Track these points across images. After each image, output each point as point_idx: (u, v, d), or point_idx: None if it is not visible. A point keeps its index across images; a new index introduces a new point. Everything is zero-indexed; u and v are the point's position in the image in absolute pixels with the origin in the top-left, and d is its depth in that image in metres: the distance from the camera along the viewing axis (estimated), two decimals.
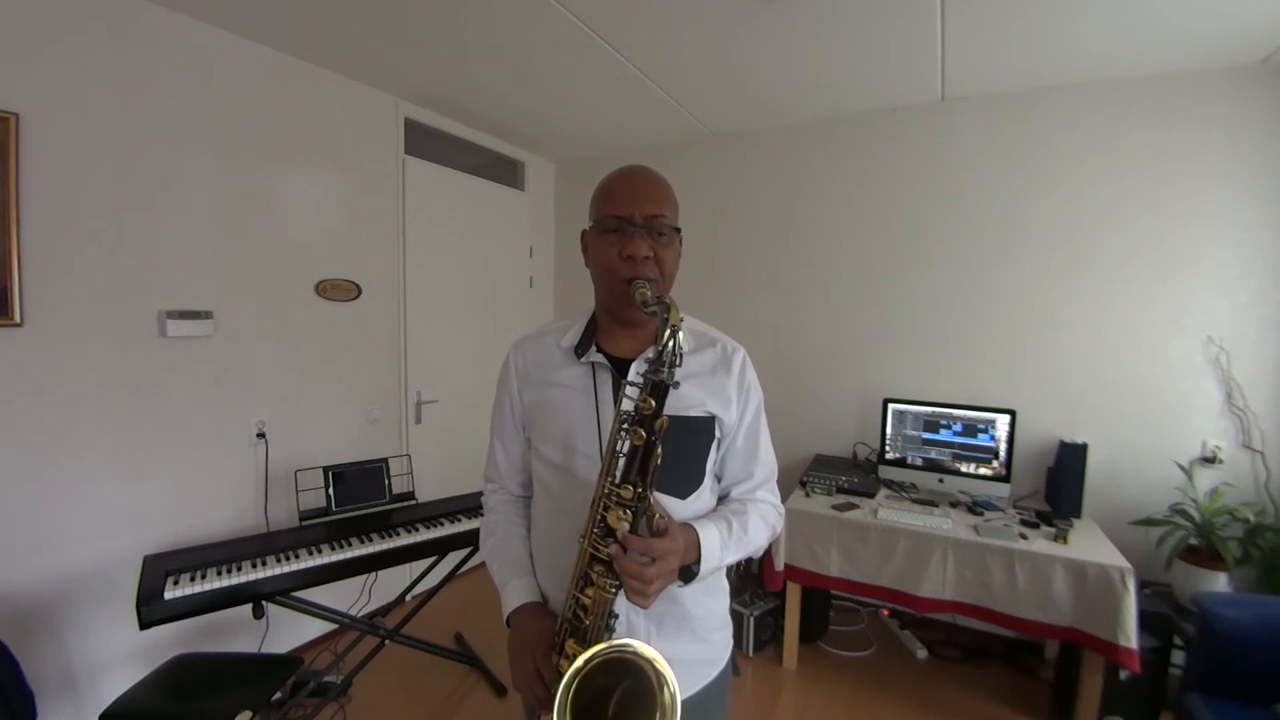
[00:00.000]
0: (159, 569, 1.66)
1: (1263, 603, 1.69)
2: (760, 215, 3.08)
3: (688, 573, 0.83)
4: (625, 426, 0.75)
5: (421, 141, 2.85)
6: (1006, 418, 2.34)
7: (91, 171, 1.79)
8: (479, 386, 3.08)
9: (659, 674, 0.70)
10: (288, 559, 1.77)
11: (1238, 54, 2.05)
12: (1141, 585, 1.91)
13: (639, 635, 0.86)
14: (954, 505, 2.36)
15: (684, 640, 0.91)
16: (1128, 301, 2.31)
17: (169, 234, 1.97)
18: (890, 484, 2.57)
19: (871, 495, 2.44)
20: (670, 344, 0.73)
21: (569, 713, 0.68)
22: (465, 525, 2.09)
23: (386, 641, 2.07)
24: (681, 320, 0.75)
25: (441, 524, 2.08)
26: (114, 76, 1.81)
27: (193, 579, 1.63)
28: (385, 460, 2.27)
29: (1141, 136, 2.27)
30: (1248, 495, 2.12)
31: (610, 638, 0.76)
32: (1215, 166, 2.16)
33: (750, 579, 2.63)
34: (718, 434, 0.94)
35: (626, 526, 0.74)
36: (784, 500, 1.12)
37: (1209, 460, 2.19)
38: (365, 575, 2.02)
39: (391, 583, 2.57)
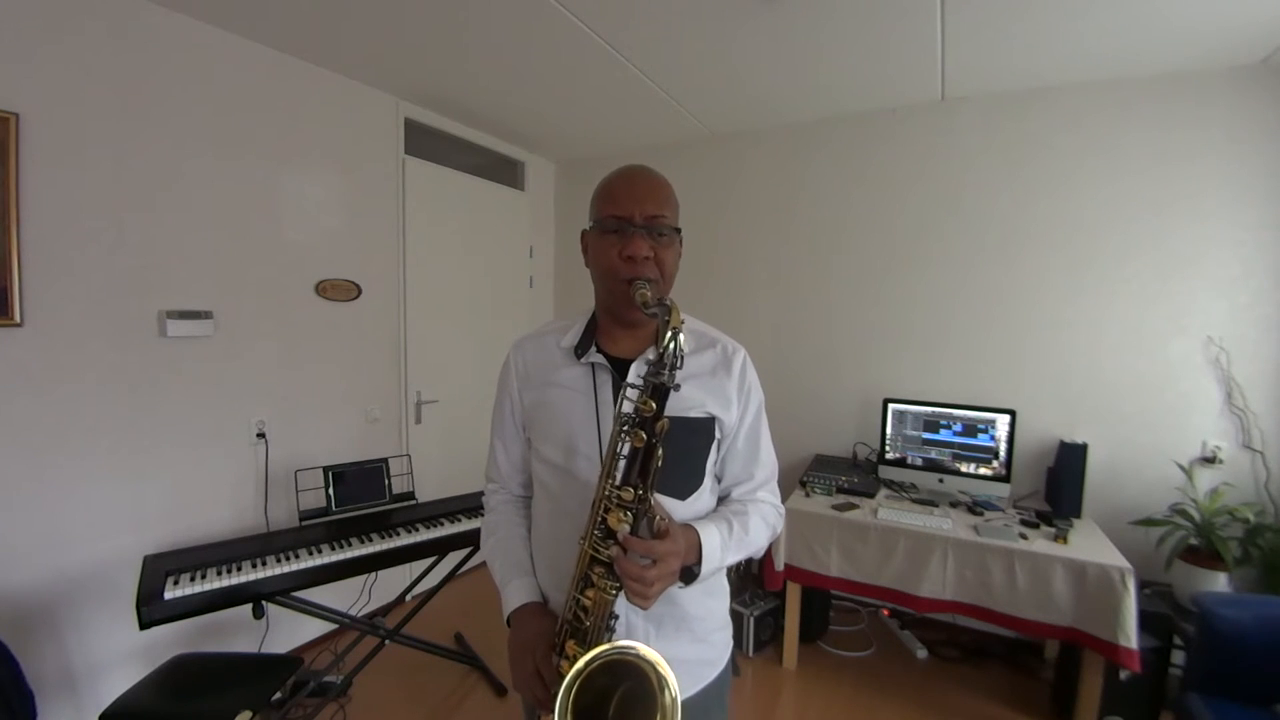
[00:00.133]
0: (159, 569, 1.66)
1: (1263, 603, 1.69)
2: (760, 215, 3.08)
3: (688, 574, 0.83)
4: (626, 428, 0.75)
5: (421, 141, 2.85)
6: (1006, 418, 2.34)
7: (91, 171, 1.79)
8: (479, 386, 3.08)
9: (660, 677, 0.69)
10: (288, 559, 1.77)
11: (1238, 54, 2.05)
12: (1141, 585, 1.91)
13: (638, 636, 0.86)
14: (954, 505, 2.36)
15: (683, 641, 0.90)
16: (1128, 301, 2.31)
17: (169, 234, 1.97)
18: (890, 484, 2.57)
19: (871, 495, 2.44)
20: (671, 346, 0.73)
21: (570, 714, 0.68)
22: (465, 525, 2.09)
23: (386, 641, 2.07)
24: (683, 323, 0.75)
25: (441, 524, 2.08)
26: (114, 76, 1.81)
27: (193, 579, 1.63)
28: (385, 460, 2.27)
29: (1141, 136, 2.27)
30: (1248, 495, 2.12)
31: (611, 638, 0.76)
32: (1215, 166, 2.16)
33: (750, 579, 2.63)
34: (717, 435, 0.94)
35: (627, 528, 0.74)
36: (784, 500, 1.12)
37: (1209, 460, 2.19)
38: (365, 575, 2.02)
39: (391, 583, 2.57)
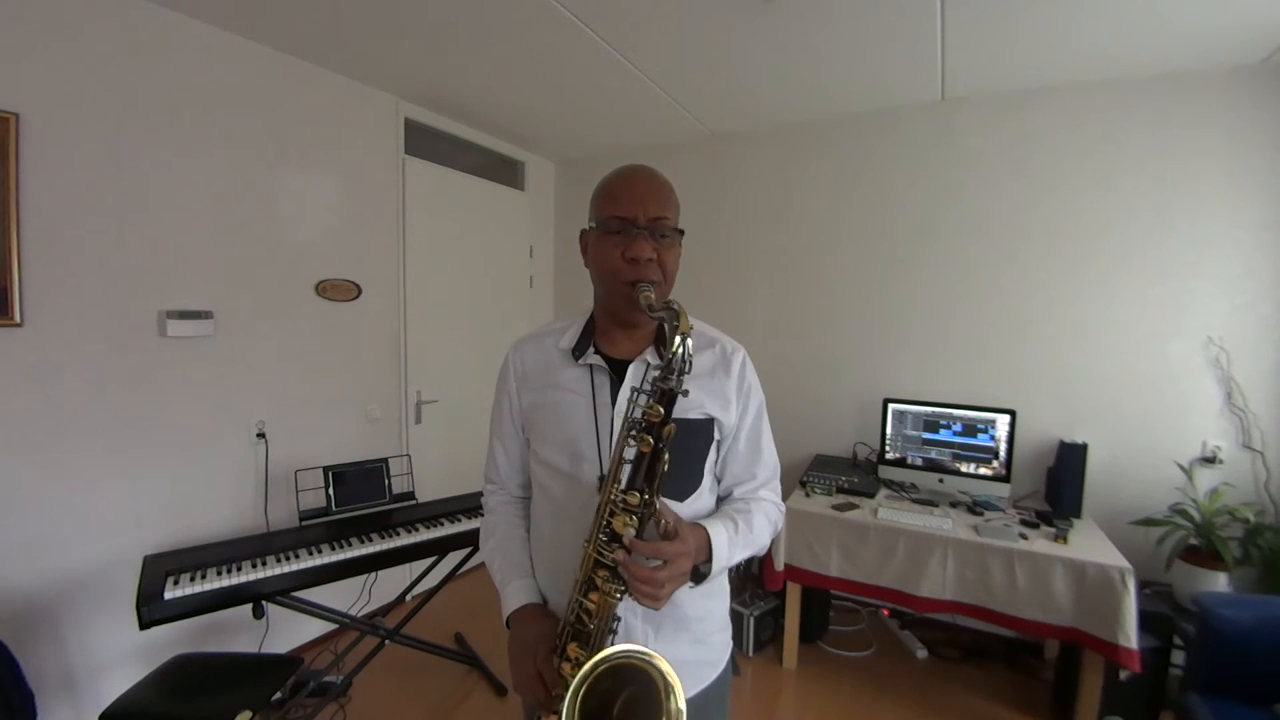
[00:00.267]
0: (159, 569, 1.66)
1: (1263, 603, 1.69)
2: (760, 215, 3.07)
3: (696, 573, 0.82)
4: (633, 433, 0.75)
5: (421, 141, 2.85)
6: (1006, 418, 2.34)
7: (91, 171, 1.79)
8: (479, 387, 3.08)
9: (668, 684, 0.69)
10: (288, 559, 1.77)
11: (1238, 54, 2.05)
12: (1141, 585, 1.91)
13: (636, 638, 0.86)
14: (954, 505, 2.36)
15: (683, 642, 0.90)
16: (1128, 301, 2.31)
17: (169, 234, 1.97)
18: (890, 484, 2.57)
19: (871, 495, 2.44)
20: (680, 351, 0.73)
21: (577, 717, 0.68)
22: (465, 525, 2.09)
23: (386, 641, 2.07)
24: (691, 328, 0.75)
25: (441, 524, 2.08)
26: (114, 76, 1.81)
27: (193, 579, 1.63)
28: (385, 460, 2.27)
29: (1142, 137, 2.27)
30: (1248, 495, 2.12)
31: (613, 641, 0.76)
32: (1215, 166, 2.16)
33: (750, 579, 2.63)
34: (716, 436, 0.93)
35: (632, 532, 0.74)
36: (784, 500, 1.11)
37: (1209, 460, 2.19)
38: (365, 575, 2.01)
39: (391, 583, 2.56)
